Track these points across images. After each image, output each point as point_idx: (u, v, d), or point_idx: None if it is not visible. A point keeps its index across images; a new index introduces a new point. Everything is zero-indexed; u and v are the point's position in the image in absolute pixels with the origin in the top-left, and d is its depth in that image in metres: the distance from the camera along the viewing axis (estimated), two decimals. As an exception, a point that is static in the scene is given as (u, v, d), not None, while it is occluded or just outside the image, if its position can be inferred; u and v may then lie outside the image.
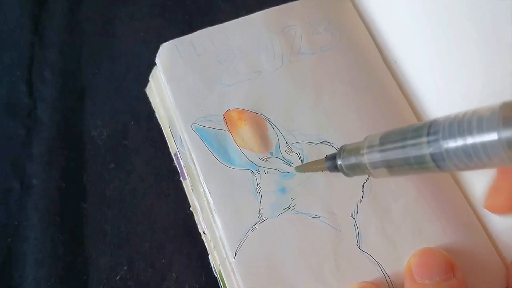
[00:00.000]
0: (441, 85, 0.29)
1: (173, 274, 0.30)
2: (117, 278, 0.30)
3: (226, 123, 0.29)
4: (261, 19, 0.32)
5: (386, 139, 0.22)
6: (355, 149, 0.24)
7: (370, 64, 0.32)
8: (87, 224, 0.32)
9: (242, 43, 0.31)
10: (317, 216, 0.27)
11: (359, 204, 0.27)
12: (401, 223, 0.26)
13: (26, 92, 0.36)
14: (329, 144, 0.29)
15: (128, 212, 0.32)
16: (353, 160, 0.24)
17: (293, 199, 0.27)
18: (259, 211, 0.27)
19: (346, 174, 0.25)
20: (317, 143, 0.29)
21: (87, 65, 0.37)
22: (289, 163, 0.28)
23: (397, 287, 0.25)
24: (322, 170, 0.26)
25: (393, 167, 0.22)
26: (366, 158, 0.23)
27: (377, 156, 0.22)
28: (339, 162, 0.24)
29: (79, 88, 0.36)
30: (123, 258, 0.31)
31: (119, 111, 0.35)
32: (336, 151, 0.25)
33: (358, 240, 0.26)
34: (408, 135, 0.21)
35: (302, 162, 0.28)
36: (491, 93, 0.25)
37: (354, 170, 0.24)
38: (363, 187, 0.28)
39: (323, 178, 0.28)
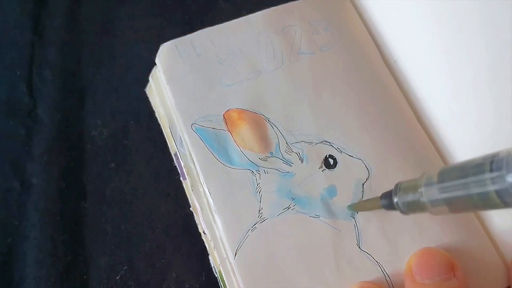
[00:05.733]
0: (441, 84, 0.29)
1: (173, 274, 0.30)
2: (117, 278, 0.30)
3: (226, 123, 0.29)
4: (261, 19, 0.32)
5: (445, 176, 0.21)
6: (411, 187, 0.23)
7: (370, 64, 0.32)
8: (87, 224, 0.32)
9: (242, 43, 0.31)
10: (317, 216, 0.27)
11: (359, 204, 0.27)
12: (401, 223, 0.26)
13: (26, 92, 0.36)
14: (329, 144, 0.29)
15: (128, 212, 0.32)
16: (410, 197, 0.23)
17: (293, 199, 0.27)
18: (259, 211, 0.27)
19: (403, 212, 0.23)
20: (317, 143, 0.29)
21: (87, 65, 0.37)
22: (289, 162, 0.28)
23: (397, 287, 0.25)
24: (378, 208, 0.25)
25: (455, 205, 0.21)
26: (425, 196, 0.22)
27: (436, 194, 0.21)
28: (395, 199, 0.23)
29: (79, 88, 0.36)
30: (123, 258, 0.31)
31: (119, 111, 0.35)
32: (392, 189, 0.24)
33: (358, 240, 0.26)
34: (469, 171, 0.20)
35: (302, 162, 0.28)
36: (493, 91, 0.25)
37: (411, 208, 0.23)
38: (363, 187, 0.28)
39: (323, 178, 0.28)
